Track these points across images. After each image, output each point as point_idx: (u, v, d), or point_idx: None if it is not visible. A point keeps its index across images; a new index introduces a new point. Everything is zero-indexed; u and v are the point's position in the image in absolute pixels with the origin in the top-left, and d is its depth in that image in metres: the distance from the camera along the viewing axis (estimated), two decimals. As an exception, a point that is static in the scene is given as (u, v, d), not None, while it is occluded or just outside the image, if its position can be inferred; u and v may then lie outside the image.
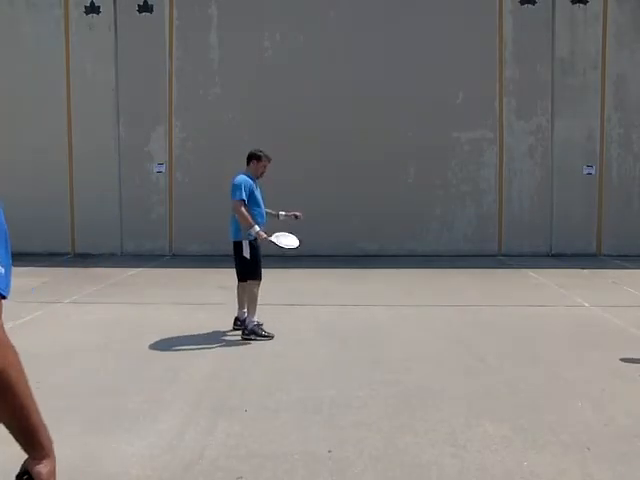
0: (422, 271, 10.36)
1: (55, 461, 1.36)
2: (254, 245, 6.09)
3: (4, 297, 1.28)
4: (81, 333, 6.35)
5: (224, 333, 6.33)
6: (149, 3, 12.07)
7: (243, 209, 6.00)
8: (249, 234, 6.04)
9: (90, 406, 4.35)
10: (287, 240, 6.28)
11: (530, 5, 11.93)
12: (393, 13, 11.90)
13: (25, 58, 12.05)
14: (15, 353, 1.28)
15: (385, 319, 7.01)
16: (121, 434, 3.87)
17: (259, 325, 6.19)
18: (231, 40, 12.03)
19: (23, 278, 8.77)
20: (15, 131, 12.05)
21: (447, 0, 11.96)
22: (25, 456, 1.35)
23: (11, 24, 12.16)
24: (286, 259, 9.48)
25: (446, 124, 11.99)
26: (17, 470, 1.35)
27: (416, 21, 11.92)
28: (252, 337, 6.07)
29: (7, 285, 1.28)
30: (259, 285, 6.22)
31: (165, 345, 5.91)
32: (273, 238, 6.14)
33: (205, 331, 6.37)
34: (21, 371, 1.28)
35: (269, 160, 6.36)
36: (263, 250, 6.24)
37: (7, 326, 1.29)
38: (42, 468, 1.32)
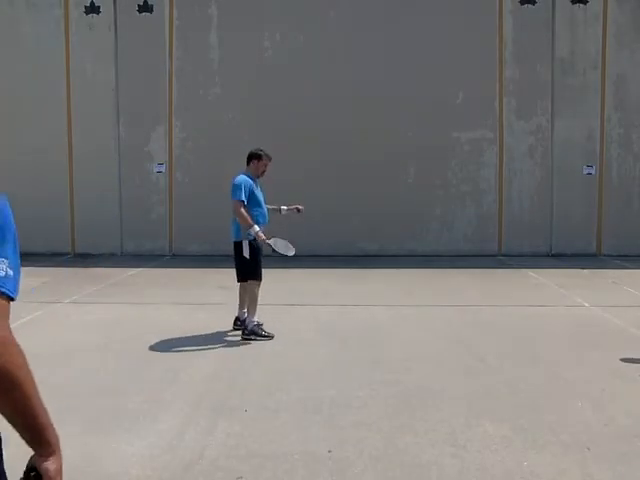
0: (422, 271, 10.36)
1: (61, 458, 1.38)
2: (254, 245, 6.09)
3: (12, 299, 1.30)
4: (81, 333, 6.35)
5: (224, 333, 6.33)
6: (149, 3, 12.07)
7: (242, 209, 6.00)
8: (249, 234, 6.04)
9: (90, 406, 4.35)
10: (284, 247, 6.28)
11: (530, 5, 11.93)
12: (393, 13, 11.91)
13: (25, 58, 12.05)
14: (22, 354, 1.29)
15: (385, 319, 7.00)
16: (121, 434, 3.87)
17: (259, 325, 6.19)
18: (231, 40, 12.03)
19: (23, 278, 8.74)
20: (15, 131, 12.05)
21: (447, 0, 11.95)
22: (31, 452, 1.36)
23: (11, 24, 12.16)
24: (286, 259, 9.45)
25: (446, 124, 11.99)
26: (24, 467, 1.36)
27: (416, 21, 11.92)
28: (252, 337, 6.07)
29: (15, 287, 1.31)
30: (259, 285, 6.22)
31: (165, 345, 5.91)
32: (271, 241, 6.15)
33: (205, 331, 6.37)
34: (28, 371, 1.30)
35: (270, 159, 6.35)
36: (263, 250, 6.24)
37: (7, 326, 1.29)
38: (49, 465, 1.34)
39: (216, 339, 6.14)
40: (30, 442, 1.34)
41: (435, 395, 4.56)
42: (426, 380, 4.90)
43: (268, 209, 6.39)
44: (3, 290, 1.28)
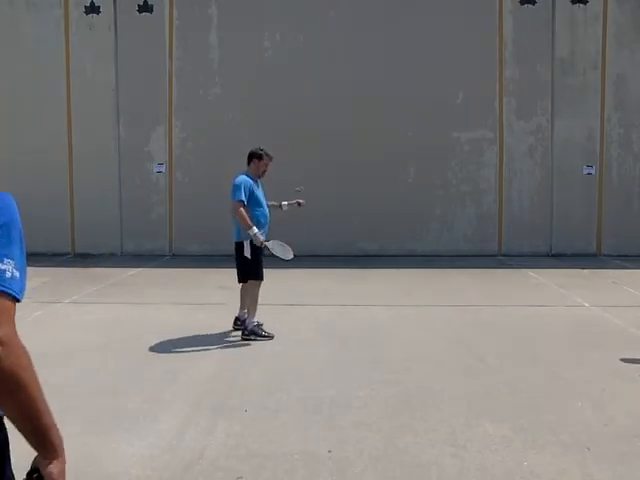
0: (422, 271, 10.36)
1: (65, 461, 1.38)
2: (255, 245, 6.09)
3: (18, 300, 1.30)
4: (81, 333, 6.35)
5: (224, 333, 6.33)
6: (149, 3, 12.07)
7: (242, 210, 6.00)
8: (249, 234, 6.04)
9: (90, 406, 4.35)
10: (282, 250, 6.27)
11: (530, 5, 11.93)
12: (393, 13, 11.90)
13: (25, 58, 12.04)
14: (28, 355, 1.30)
15: (385, 319, 7.00)
16: (121, 434, 3.87)
17: (259, 325, 6.19)
18: (231, 40, 12.02)
19: (23, 278, 8.76)
20: (15, 131, 12.04)
21: (447, 0, 11.95)
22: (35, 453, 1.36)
23: (11, 24, 12.15)
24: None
25: (446, 124, 11.99)
26: (27, 467, 1.37)
27: (416, 21, 11.92)
28: (252, 337, 6.07)
29: (21, 289, 1.31)
30: (260, 285, 6.22)
31: (165, 345, 5.91)
32: (269, 244, 6.15)
33: (205, 331, 6.37)
34: (33, 373, 1.30)
35: (270, 159, 6.34)
36: (264, 250, 6.23)
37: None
38: (53, 468, 1.34)
39: (216, 339, 6.14)
40: (35, 445, 1.34)
41: (435, 395, 4.56)
42: (426, 380, 4.90)
43: (269, 206, 6.39)
44: (9, 292, 1.28)
